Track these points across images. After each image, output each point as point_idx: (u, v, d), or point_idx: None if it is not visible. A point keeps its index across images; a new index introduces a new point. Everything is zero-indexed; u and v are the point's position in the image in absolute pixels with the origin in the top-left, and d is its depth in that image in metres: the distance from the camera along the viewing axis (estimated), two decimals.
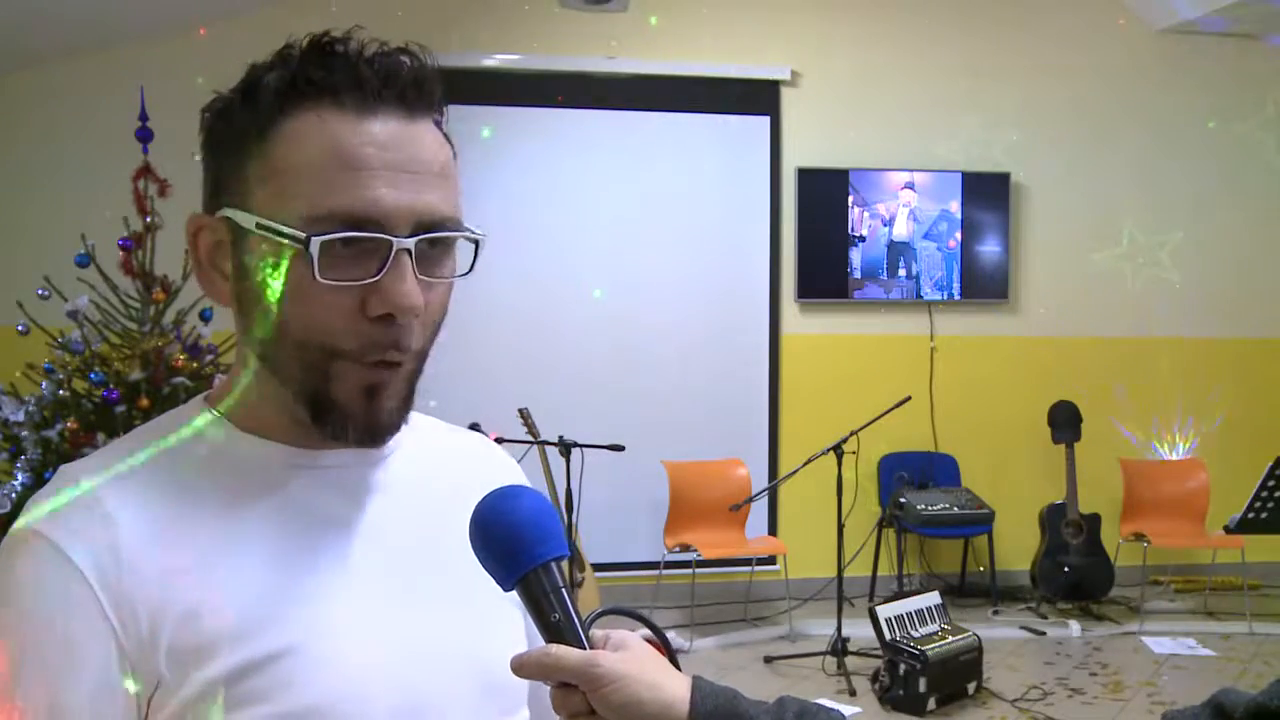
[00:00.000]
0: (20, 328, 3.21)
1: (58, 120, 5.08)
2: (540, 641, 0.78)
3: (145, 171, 3.31)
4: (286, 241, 0.78)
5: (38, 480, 3.05)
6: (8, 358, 3.41)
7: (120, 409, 3.09)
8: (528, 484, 0.95)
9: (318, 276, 0.77)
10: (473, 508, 0.80)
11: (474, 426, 1.08)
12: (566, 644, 0.77)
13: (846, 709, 4.04)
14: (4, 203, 5.07)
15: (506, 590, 0.79)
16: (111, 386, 3.11)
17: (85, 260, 3.22)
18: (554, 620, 0.77)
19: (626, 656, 0.77)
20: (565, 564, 0.81)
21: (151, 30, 5.04)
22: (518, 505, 0.79)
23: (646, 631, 0.86)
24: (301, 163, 0.78)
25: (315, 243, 0.76)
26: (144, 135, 3.32)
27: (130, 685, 0.77)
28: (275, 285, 0.80)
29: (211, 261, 0.85)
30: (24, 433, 3.12)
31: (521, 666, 0.77)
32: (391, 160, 0.79)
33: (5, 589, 0.78)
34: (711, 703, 0.76)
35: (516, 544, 0.78)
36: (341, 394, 0.81)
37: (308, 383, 0.81)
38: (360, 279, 0.78)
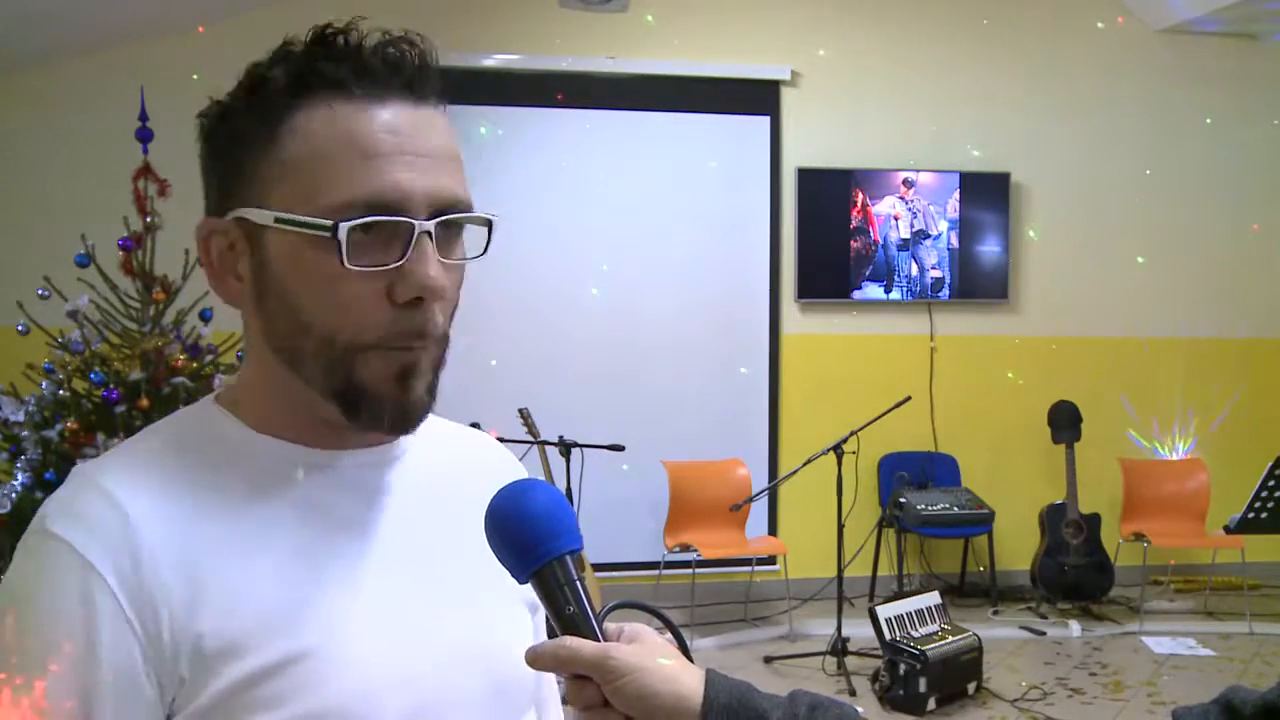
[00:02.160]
0: (20, 328, 3.20)
1: (58, 120, 5.07)
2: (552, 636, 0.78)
3: (145, 171, 3.30)
4: (311, 232, 0.78)
5: (38, 480, 3.04)
6: (8, 358, 3.40)
7: (120, 409, 3.08)
8: None
9: (346, 263, 0.77)
10: (480, 507, 0.80)
11: (474, 426, 1.08)
12: (581, 636, 0.77)
13: None
14: (4, 203, 5.07)
15: (521, 583, 0.79)
16: (111, 386, 3.10)
17: (85, 260, 3.21)
18: (569, 613, 0.77)
19: (641, 649, 0.77)
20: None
21: (151, 30, 5.04)
22: (533, 499, 0.79)
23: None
24: (318, 154, 0.79)
25: (343, 228, 0.77)
26: (144, 135, 3.31)
27: (152, 688, 0.76)
28: (299, 279, 0.80)
29: (225, 265, 0.84)
30: (24, 433, 3.11)
31: (537, 658, 0.77)
32: (405, 145, 0.80)
33: (25, 591, 0.77)
34: (725, 696, 0.76)
35: (532, 537, 0.78)
36: (371, 381, 0.81)
37: (334, 379, 0.81)
38: (385, 264, 0.79)
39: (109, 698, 0.75)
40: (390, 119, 0.80)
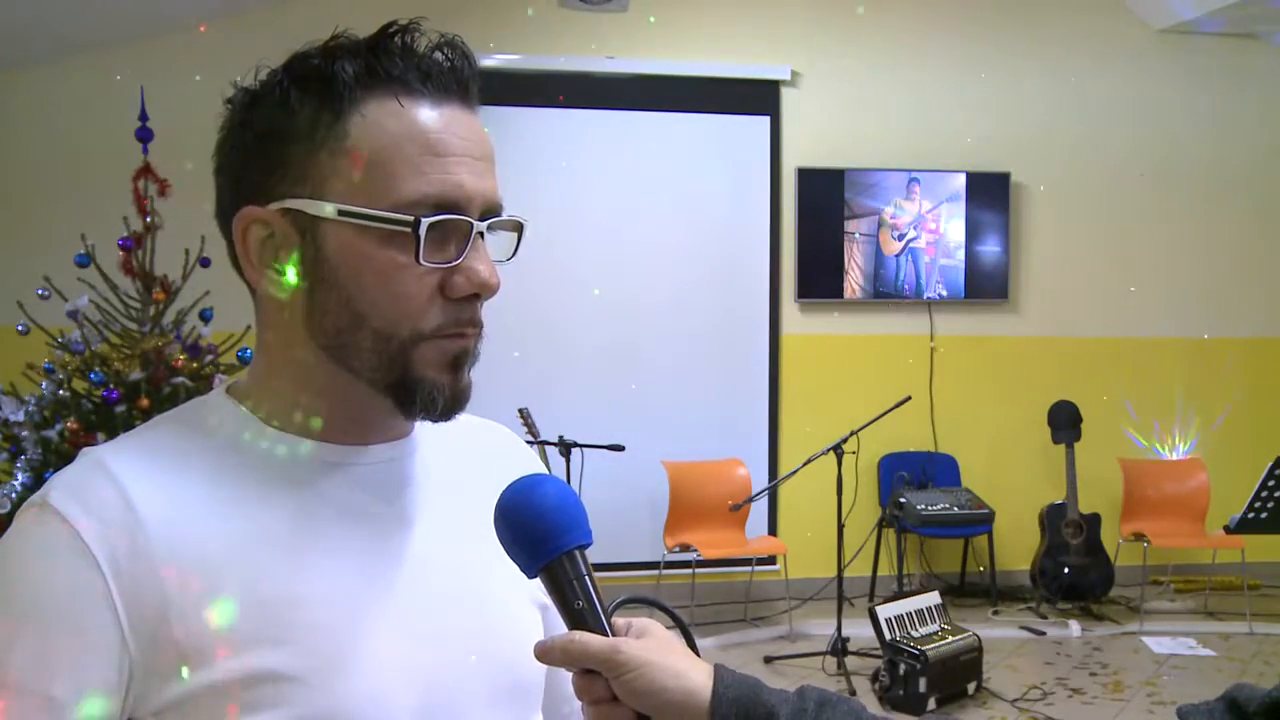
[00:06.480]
0: (20, 328, 3.19)
1: (58, 120, 5.07)
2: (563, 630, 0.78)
3: (145, 171, 3.30)
4: (385, 226, 0.78)
5: (37, 480, 3.03)
6: (8, 358, 3.39)
7: (120, 409, 3.07)
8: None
9: (421, 259, 0.79)
10: (495, 500, 0.80)
11: None
12: (590, 631, 0.77)
13: None
14: (4, 203, 5.06)
15: (531, 578, 0.79)
16: (111, 386, 3.10)
17: (85, 260, 3.21)
18: (577, 607, 0.77)
19: (649, 644, 0.77)
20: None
21: (151, 30, 5.04)
22: (543, 494, 0.79)
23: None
24: (388, 149, 0.79)
25: (424, 224, 0.78)
26: (144, 135, 3.30)
27: (123, 678, 0.76)
28: (361, 273, 0.80)
29: (264, 258, 0.83)
30: (24, 433, 3.10)
31: (546, 653, 0.77)
32: (465, 147, 0.81)
33: (13, 561, 0.77)
34: (734, 691, 0.76)
35: (541, 532, 0.78)
36: (426, 371, 0.82)
37: (390, 371, 0.82)
38: (448, 261, 0.81)
39: (76, 685, 0.74)
40: (452, 121, 0.81)
